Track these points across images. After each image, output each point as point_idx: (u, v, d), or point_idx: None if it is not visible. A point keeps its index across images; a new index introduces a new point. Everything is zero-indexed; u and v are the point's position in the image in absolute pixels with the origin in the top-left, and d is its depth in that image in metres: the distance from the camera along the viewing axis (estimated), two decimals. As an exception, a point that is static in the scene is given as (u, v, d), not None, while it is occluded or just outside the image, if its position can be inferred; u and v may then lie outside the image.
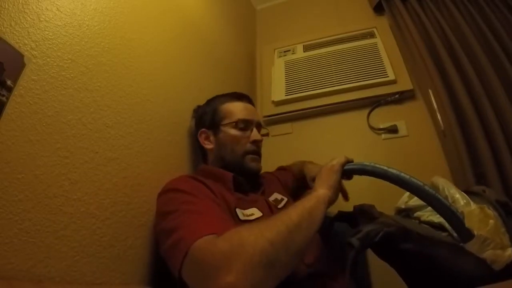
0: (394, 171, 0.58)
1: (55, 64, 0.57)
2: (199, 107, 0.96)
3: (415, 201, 0.64)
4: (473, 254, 0.47)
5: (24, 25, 0.52)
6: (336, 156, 0.69)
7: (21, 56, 0.50)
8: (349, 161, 0.68)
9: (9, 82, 0.48)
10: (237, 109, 0.84)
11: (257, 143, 0.83)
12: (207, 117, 0.87)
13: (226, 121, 0.83)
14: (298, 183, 1.00)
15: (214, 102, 0.89)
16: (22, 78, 0.50)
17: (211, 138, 0.85)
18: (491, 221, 0.48)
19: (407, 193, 0.66)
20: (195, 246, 0.47)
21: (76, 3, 0.64)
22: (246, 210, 0.68)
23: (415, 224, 0.61)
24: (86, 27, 0.66)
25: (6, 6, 0.50)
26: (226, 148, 0.82)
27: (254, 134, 0.83)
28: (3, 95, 0.47)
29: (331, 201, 0.61)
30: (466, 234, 0.48)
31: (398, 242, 0.57)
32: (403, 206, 0.68)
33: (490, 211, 0.51)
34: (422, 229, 0.59)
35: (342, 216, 0.71)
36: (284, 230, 0.48)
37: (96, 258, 0.57)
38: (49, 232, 0.50)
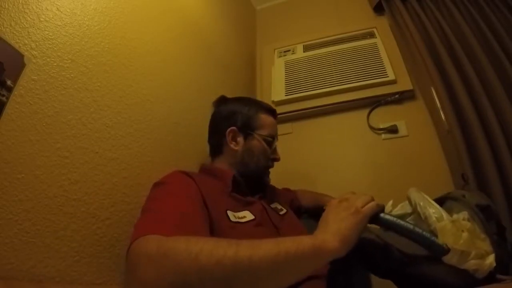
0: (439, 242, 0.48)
1: (55, 64, 0.57)
2: (226, 99, 0.92)
3: (398, 210, 0.61)
4: (454, 266, 0.46)
5: (24, 25, 0.52)
6: (356, 192, 0.54)
7: (21, 56, 0.50)
8: (381, 209, 0.52)
9: (9, 82, 0.48)
10: (271, 124, 0.87)
11: (276, 161, 0.88)
12: (241, 117, 0.84)
13: (261, 132, 0.83)
14: (306, 213, 1.01)
15: (252, 106, 0.87)
16: (22, 78, 0.50)
17: (239, 139, 0.83)
18: (464, 234, 0.47)
19: (390, 202, 0.62)
20: (135, 243, 0.45)
21: (76, 3, 0.64)
22: (238, 213, 0.67)
23: (396, 237, 0.57)
24: (86, 27, 0.66)
25: (6, 6, 0.50)
26: (253, 156, 0.82)
27: (278, 154, 0.88)
28: (3, 95, 0.47)
29: (336, 256, 0.43)
30: (441, 250, 0.47)
31: (379, 261, 0.56)
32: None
33: (464, 222, 0.49)
34: (404, 242, 0.55)
35: None
36: (228, 264, 0.38)
37: (96, 258, 0.57)
38: (49, 232, 0.50)
